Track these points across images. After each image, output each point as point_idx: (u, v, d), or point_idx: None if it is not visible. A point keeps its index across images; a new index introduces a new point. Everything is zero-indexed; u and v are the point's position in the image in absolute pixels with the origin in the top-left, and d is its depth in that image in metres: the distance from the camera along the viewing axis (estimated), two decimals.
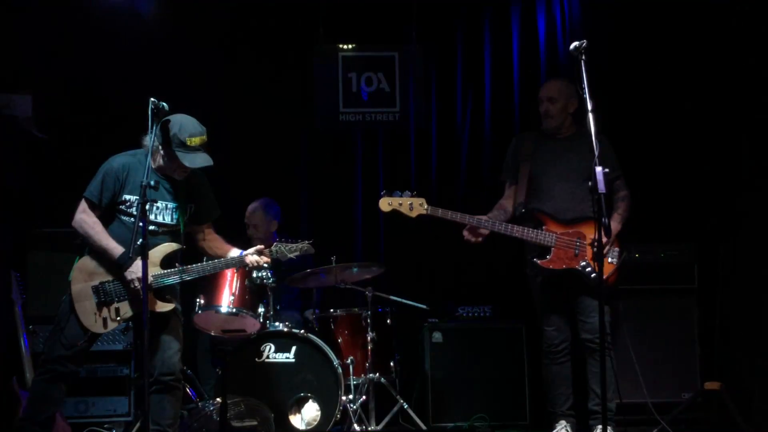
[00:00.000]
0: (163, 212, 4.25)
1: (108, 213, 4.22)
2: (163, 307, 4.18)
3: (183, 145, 4.11)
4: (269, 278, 4.97)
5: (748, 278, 5.45)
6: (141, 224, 3.81)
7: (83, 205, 4.18)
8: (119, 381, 5.40)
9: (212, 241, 4.47)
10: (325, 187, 6.47)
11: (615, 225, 4.71)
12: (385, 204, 4.65)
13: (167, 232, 4.27)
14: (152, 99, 3.92)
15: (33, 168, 5.83)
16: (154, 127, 3.94)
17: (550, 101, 4.93)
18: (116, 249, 4.09)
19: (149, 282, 3.93)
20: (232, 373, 4.86)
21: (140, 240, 3.79)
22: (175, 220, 4.28)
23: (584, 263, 4.69)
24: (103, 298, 4.15)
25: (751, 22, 5.47)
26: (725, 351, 5.57)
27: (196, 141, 4.14)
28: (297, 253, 4.39)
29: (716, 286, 5.69)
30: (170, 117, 4.11)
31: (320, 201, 6.46)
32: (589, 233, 4.61)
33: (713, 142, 5.82)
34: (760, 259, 5.32)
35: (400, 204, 4.64)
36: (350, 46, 6.54)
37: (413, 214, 4.65)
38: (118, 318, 4.16)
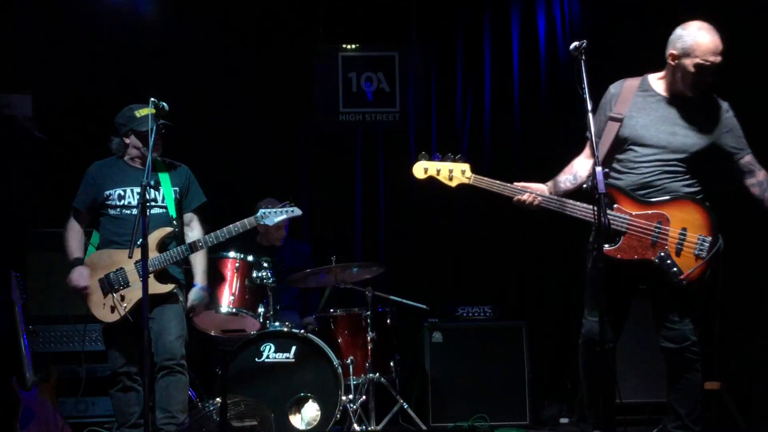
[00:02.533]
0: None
1: (97, 213, 4.46)
2: (162, 288, 4.30)
3: (133, 120, 4.35)
4: (269, 278, 4.97)
5: (748, 278, 5.44)
6: (141, 223, 3.87)
7: (70, 213, 4.51)
8: None
9: (192, 230, 4.56)
10: (325, 187, 6.48)
11: None
12: (420, 170, 3.89)
13: (156, 210, 4.36)
14: (152, 99, 3.96)
15: (33, 168, 5.83)
16: (153, 127, 3.97)
17: (717, 61, 3.78)
18: (71, 255, 4.42)
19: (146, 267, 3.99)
20: (232, 373, 4.87)
21: (140, 240, 3.87)
22: (160, 199, 4.40)
23: (663, 254, 3.77)
24: (107, 288, 4.32)
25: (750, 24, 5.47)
26: (725, 351, 5.56)
27: (143, 112, 4.31)
28: (284, 217, 4.43)
29: (716, 286, 5.67)
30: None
31: (320, 201, 6.46)
32: (677, 217, 3.78)
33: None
34: (760, 259, 5.31)
35: (438, 170, 3.86)
36: (350, 46, 6.54)
37: (453, 184, 3.89)
38: (125, 304, 4.26)
